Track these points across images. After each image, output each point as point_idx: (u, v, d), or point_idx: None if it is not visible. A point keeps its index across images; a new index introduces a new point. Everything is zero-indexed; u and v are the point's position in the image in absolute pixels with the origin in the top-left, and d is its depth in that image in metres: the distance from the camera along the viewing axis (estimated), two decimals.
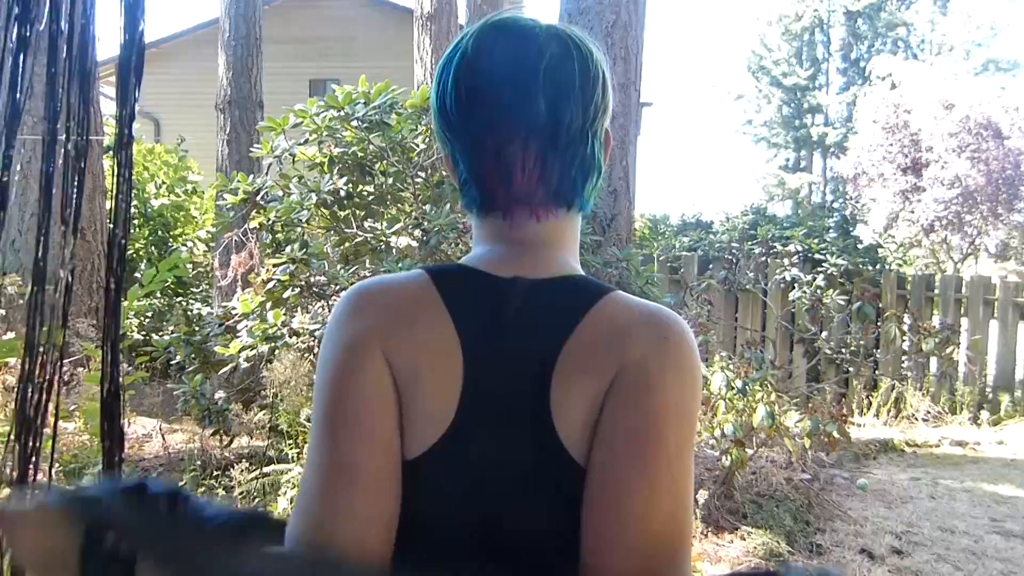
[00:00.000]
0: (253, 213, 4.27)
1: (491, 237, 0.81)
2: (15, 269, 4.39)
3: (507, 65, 0.76)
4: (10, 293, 4.05)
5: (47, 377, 0.69)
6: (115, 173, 0.59)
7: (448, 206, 3.88)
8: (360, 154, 4.14)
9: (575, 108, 0.77)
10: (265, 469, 3.89)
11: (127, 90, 0.59)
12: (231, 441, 4.51)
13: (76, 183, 0.60)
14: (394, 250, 4.07)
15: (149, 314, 7.10)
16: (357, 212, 4.30)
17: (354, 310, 0.77)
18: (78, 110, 0.57)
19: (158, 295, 6.74)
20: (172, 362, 4.39)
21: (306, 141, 4.16)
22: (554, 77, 0.76)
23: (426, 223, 3.89)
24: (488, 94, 0.76)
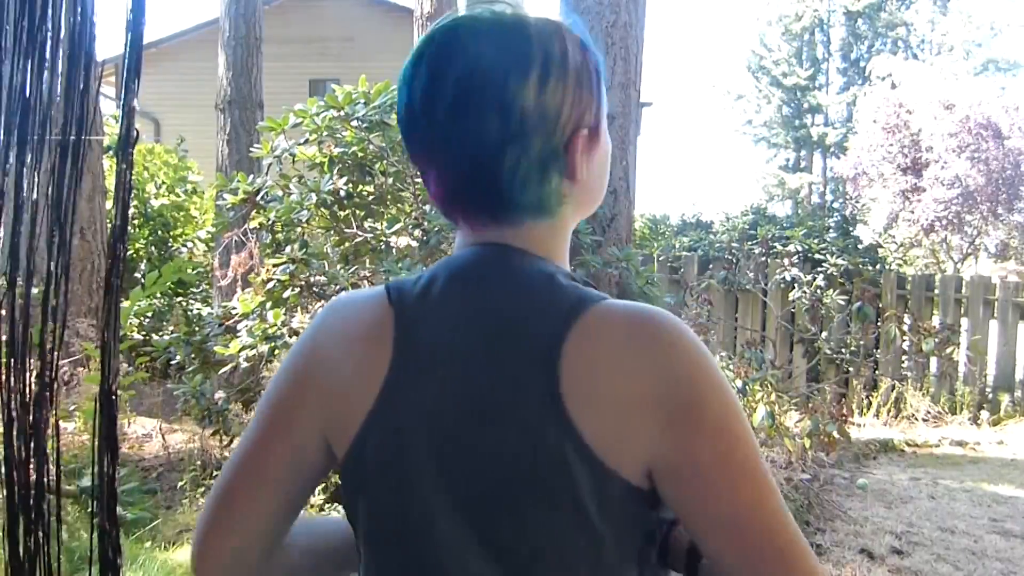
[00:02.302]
0: (253, 213, 4.26)
1: (459, 245, 0.79)
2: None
3: (424, 76, 0.72)
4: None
5: (51, 377, 0.69)
6: (116, 172, 0.59)
7: None
8: (360, 154, 4.14)
9: (495, 112, 0.69)
10: None
11: (128, 89, 0.59)
12: (231, 441, 4.50)
13: (75, 183, 0.60)
14: (394, 250, 4.07)
15: (149, 314, 7.10)
16: (357, 212, 4.30)
17: (313, 332, 0.79)
18: (79, 110, 0.57)
19: (158, 295, 6.74)
20: (172, 362, 4.39)
21: (306, 141, 4.15)
22: (466, 84, 0.70)
23: (426, 223, 3.89)
24: (406, 110, 0.74)
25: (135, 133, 0.59)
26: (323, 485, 3.61)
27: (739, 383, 3.89)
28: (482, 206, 0.74)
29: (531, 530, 0.66)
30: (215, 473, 3.94)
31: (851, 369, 6.83)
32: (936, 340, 5.25)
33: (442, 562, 0.68)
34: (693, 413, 0.65)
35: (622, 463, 0.65)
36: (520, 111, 0.70)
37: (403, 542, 0.71)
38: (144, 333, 6.60)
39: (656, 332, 0.67)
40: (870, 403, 6.81)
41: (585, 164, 0.74)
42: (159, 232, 8.55)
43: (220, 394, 4.29)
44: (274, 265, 3.97)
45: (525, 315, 0.69)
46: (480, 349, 0.69)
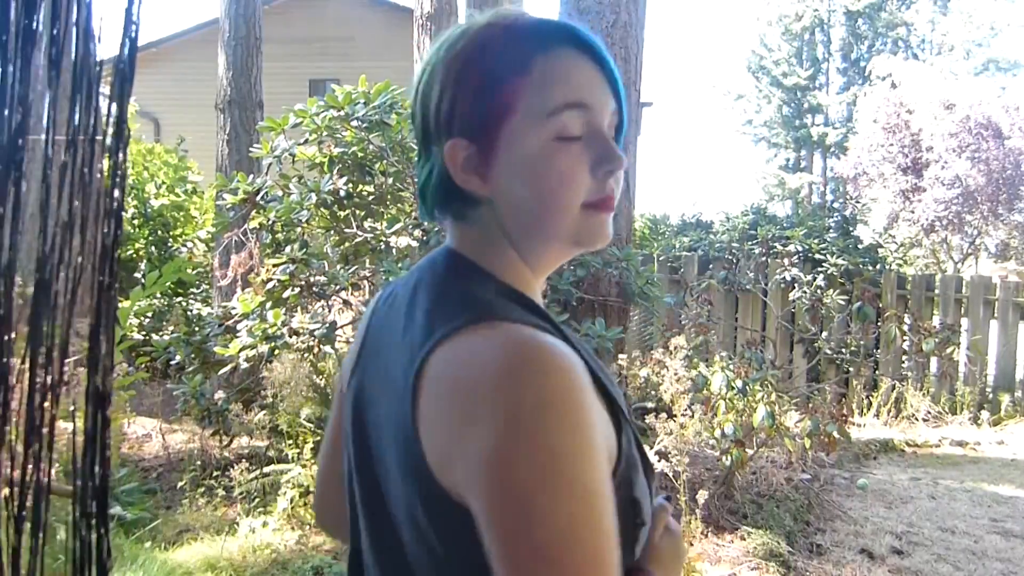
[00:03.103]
0: (253, 213, 4.26)
1: None
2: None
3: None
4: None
5: (56, 377, 0.69)
6: (111, 171, 0.59)
7: None
8: (360, 154, 4.14)
9: (419, 114, 0.77)
10: (265, 469, 3.89)
11: (123, 88, 0.59)
12: (231, 441, 4.51)
13: (80, 183, 0.60)
14: (394, 250, 4.07)
15: (149, 314, 7.10)
16: (357, 212, 4.30)
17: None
18: (82, 110, 0.57)
19: (158, 295, 6.74)
20: (172, 362, 4.39)
21: (306, 141, 4.15)
22: (421, 89, 0.76)
23: (426, 223, 3.90)
24: None
25: (126, 130, 0.59)
26: None
27: (739, 383, 3.89)
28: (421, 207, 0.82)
29: (388, 523, 0.71)
30: (215, 473, 3.94)
31: (851, 369, 6.83)
32: (936, 340, 5.24)
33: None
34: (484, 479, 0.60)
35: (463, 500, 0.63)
36: (419, 116, 0.76)
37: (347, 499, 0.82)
38: (144, 333, 6.60)
39: (469, 391, 0.62)
40: (870, 403, 6.81)
41: (467, 171, 0.73)
42: (159, 232, 8.55)
43: (220, 394, 4.29)
44: (274, 265, 3.97)
45: (410, 339, 0.70)
46: (385, 361, 0.74)
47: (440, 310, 0.69)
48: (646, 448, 0.86)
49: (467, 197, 0.74)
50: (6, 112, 0.57)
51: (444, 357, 0.64)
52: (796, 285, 6.96)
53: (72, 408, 0.74)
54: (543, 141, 0.70)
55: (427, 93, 0.75)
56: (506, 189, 0.72)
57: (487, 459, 0.59)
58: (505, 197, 0.73)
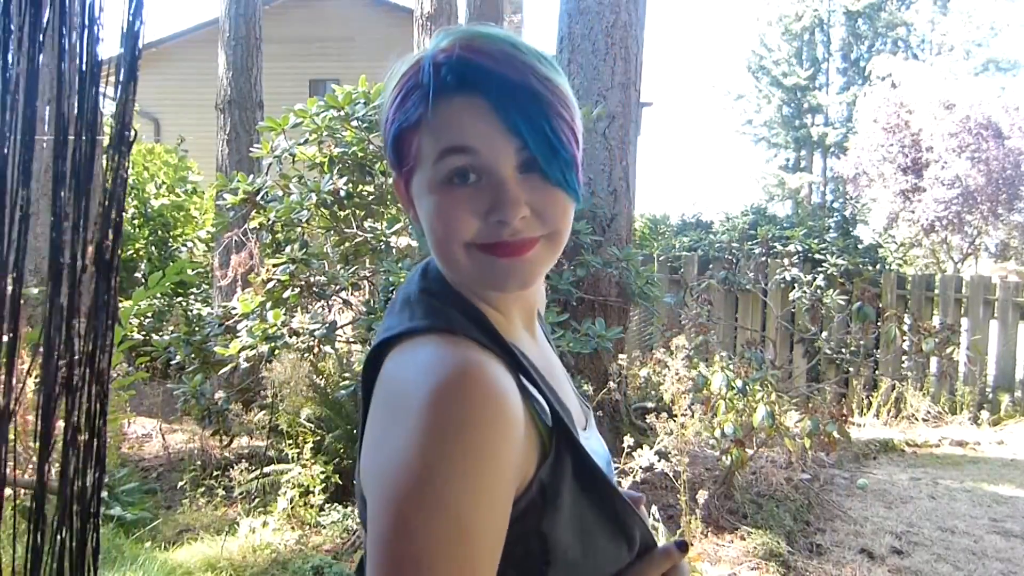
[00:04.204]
0: (253, 213, 4.26)
1: None
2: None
3: None
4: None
5: (64, 378, 0.69)
6: (113, 171, 0.59)
7: None
8: (360, 154, 4.14)
9: None
10: (265, 469, 3.89)
11: (126, 89, 0.59)
12: (231, 441, 4.51)
13: (85, 184, 0.60)
14: (394, 250, 4.07)
15: (149, 314, 7.10)
16: (357, 212, 4.30)
17: None
18: (86, 110, 0.58)
19: (158, 295, 6.74)
20: (172, 362, 4.39)
21: (306, 141, 4.15)
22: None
23: None
24: None
25: (132, 132, 0.59)
26: (323, 485, 3.61)
27: (739, 383, 3.89)
28: None
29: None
30: (215, 473, 3.94)
31: (851, 369, 6.83)
32: (936, 340, 5.24)
33: None
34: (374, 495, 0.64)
35: None
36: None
37: None
38: (144, 333, 6.61)
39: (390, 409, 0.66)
40: (870, 403, 6.81)
41: (407, 205, 0.78)
42: (159, 232, 8.55)
43: (220, 394, 4.29)
44: (274, 265, 3.97)
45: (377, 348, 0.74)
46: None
47: (398, 314, 0.74)
48: (615, 481, 0.85)
49: (415, 220, 0.78)
50: (11, 110, 0.57)
51: (393, 359, 0.69)
52: (796, 285, 6.97)
53: (73, 408, 0.74)
54: (433, 187, 0.71)
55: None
56: (422, 229, 0.76)
57: (388, 464, 0.62)
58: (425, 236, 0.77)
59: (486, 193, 0.70)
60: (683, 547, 0.78)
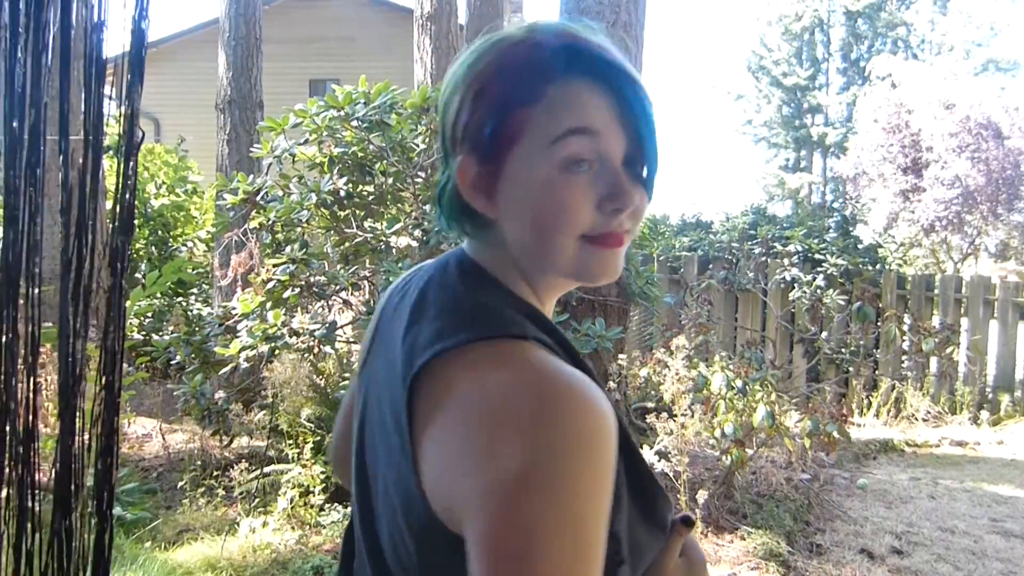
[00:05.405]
0: (253, 213, 4.26)
1: None
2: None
3: None
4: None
5: (76, 375, 0.69)
6: (120, 174, 0.59)
7: None
8: (360, 154, 4.14)
9: (440, 122, 0.77)
10: (265, 469, 3.89)
11: (132, 90, 0.59)
12: (231, 441, 4.51)
13: (93, 184, 0.60)
14: (394, 250, 4.07)
15: (149, 314, 7.10)
16: (357, 212, 4.30)
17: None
18: (90, 111, 0.58)
19: (158, 295, 6.74)
20: (172, 362, 4.39)
21: (306, 141, 4.15)
22: (445, 97, 0.76)
23: (426, 223, 3.90)
24: None
25: (140, 133, 0.59)
26: (323, 485, 3.61)
27: (739, 383, 3.89)
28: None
29: (372, 522, 0.72)
30: (215, 473, 3.94)
31: (851, 369, 6.83)
32: (936, 340, 5.25)
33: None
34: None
35: (449, 519, 0.62)
36: (440, 125, 0.76)
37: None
38: (144, 333, 6.60)
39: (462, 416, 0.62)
40: (870, 403, 6.82)
41: (475, 189, 0.72)
42: (159, 232, 8.55)
43: (220, 394, 4.30)
44: (274, 265, 3.96)
45: (411, 341, 0.68)
46: (392, 361, 0.71)
47: (449, 316, 0.68)
48: (649, 463, 0.81)
49: (475, 214, 0.74)
50: (17, 111, 0.57)
51: (458, 375, 0.63)
52: (796, 285, 6.97)
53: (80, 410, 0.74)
54: (548, 169, 0.68)
55: (448, 103, 0.74)
56: (509, 213, 0.71)
57: (503, 486, 0.57)
58: (508, 221, 0.72)
59: (601, 181, 0.69)
60: (688, 522, 0.77)
